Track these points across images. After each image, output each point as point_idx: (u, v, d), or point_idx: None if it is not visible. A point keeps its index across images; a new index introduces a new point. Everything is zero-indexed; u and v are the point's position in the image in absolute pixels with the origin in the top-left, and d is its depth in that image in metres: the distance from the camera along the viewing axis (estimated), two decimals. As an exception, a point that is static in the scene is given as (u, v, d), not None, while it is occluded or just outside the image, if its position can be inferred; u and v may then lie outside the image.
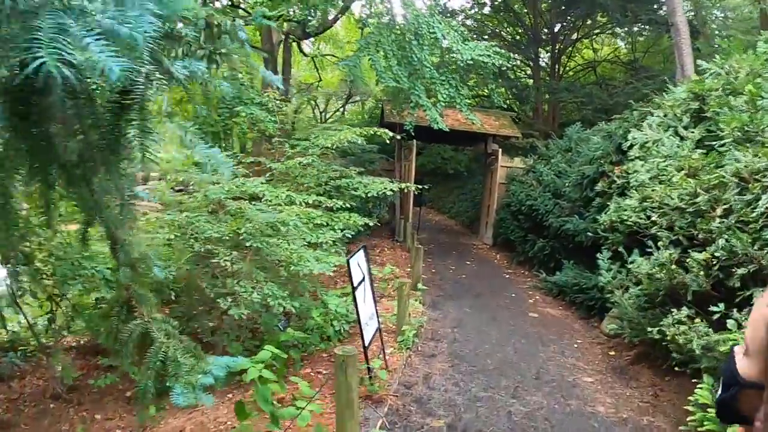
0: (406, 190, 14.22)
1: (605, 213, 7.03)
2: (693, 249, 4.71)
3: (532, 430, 4.37)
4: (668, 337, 4.73)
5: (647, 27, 19.49)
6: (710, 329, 4.32)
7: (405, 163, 14.26)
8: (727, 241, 4.31)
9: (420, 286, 8.19)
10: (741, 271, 4.16)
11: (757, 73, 5.86)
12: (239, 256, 5.60)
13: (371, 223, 7.85)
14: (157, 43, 1.88)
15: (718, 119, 5.79)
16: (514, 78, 19.95)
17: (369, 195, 7.96)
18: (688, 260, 4.60)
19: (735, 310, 4.06)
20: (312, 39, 29.69)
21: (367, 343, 4.65)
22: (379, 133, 8.08)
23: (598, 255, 6.76)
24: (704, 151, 5.81)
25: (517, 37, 20.75)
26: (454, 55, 10.22)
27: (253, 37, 24.42)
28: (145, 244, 6.05)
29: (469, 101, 11.10)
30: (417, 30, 10.07)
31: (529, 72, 21.44)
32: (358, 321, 4.46)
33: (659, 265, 5.05)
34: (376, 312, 5.10)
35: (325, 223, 7.38)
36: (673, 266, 4.84)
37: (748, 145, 5.01)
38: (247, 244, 5.39)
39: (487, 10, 21.64)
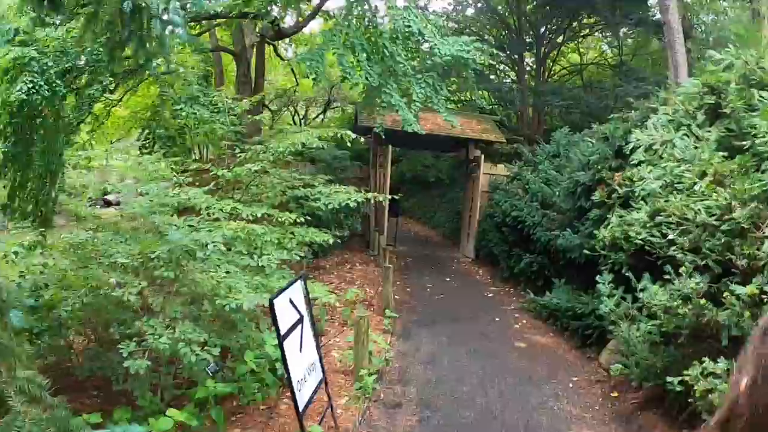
0: (379, 200, 13.12)
1: (605, 227, 5.96)
2: (730, 279, 3.64)
3: None
4: (695, 393, 3.64)
5: (637, 28, 18.69)
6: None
7: (380, 170, 13.15)
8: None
9: (389, 312, 7.04)
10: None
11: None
12: (155, 286, 4.43)
13: (331, 240, 6.71)
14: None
15: (742, 116, 4.78)
16: (497, 81, 19.00)
17: (330, 207, 6.81)
18: (725, 294, 3.52)
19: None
20: (289, 42, 28.66)
21: (304, 405, 3.49)
22: (341, 135, 6.96)
23: (598, 278, 5.68)
24: (725, 153, 4.78)
25: (501, 39, 19.78)
26: (432, 49, 9.15)
27: (224, 38, 23.33)
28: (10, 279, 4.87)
29: (448, 103, 10.03)
30: (393, 24, 9.02)
31: (513, 76, 20.51)
32: (289, 381, 3.29)
33: (682, 297, 3.97)
34: (320, 358, 3.94)
35: (277, 240, 6.23)
36: (702, 300, 3.76)
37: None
38: (156, 273, 4.20)
39: (470, 11, 20.71)
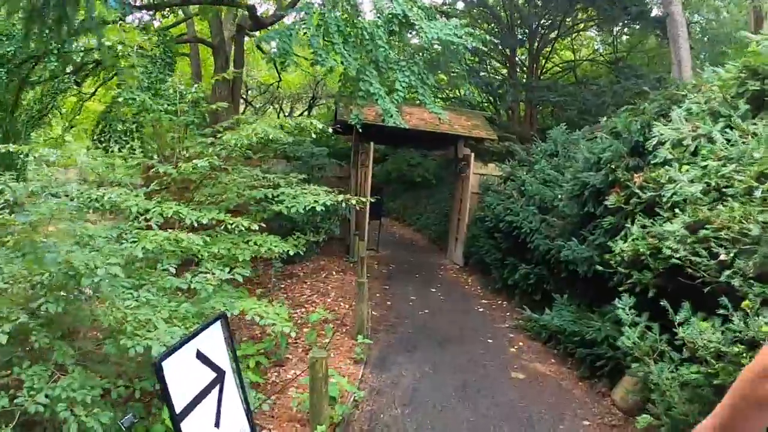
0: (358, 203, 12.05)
1: (623, 239, 4.93)
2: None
3: None
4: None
5: (635, 23, 17.78)
6: None
7: (362, 169, 12.05)
8: None
9: (361, 339, 5.94)
10: None
11: None
12: (42, 320, 3.30)
13: (293, 252, 5.60)
14: None
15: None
16: (487, 76, 17.97)
17: (293, 210, 5.70)
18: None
19: None
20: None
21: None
22: (308, 126, 5.83)
23: (617, 302, 4.63)
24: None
25: (493, 34, 18.71)
26: (418, 33, 8.08)
27: (202, 29, 22.11)
28: None
29: (436, 99, 8.96)
30: (375, 4, 7.95)
31: (504, 72, 19.50)
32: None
33: (745, 342, 2.93)
34: (252, 428, 2.82)
35: (226, 253, 5.16)
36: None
37: None
38: (35, 305, 3.08)
39: (460, 5, 19.65)
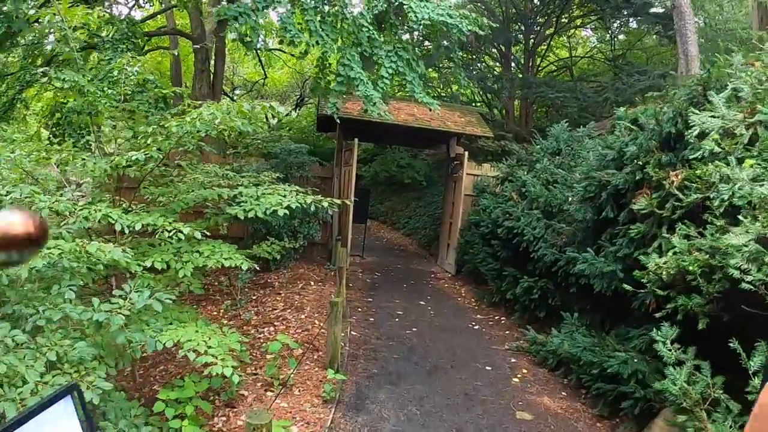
0: (335, 204, 11.06)
1: (657, 251, 3.96)
2: None
3: None
4: None
5: (636, 18, 16.94)
6: None
7: (345, 168, 11.04)
8: None
9: (332, 374, 4.89)
10: None
11: None
12: None
13: (246, 266, 4.57)
14: None
15: None
16: (481, 71, 17.02)
17: (249, 213, 4.67)
18: None
19: None
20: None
21: None
22: (261, 110, 4.79)
23: (655, 335, 3.65)
24: None
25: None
26: (407, 13, 7.08)
27: (181, 21, 21.00)
28: None
29: (425, 85, 7.95)
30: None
31: (499, 69, 18.56)
32: None
33: None
34: None
35: (160, 265, 4.15)
36: None
37: None
38: None
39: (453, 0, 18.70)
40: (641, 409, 4.29)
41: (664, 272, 3.75)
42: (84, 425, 1.65)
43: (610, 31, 19.01)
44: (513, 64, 18.18)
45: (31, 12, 7.26)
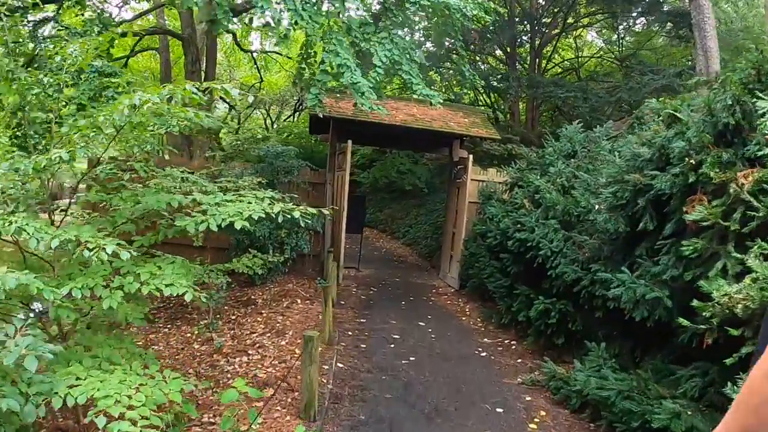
0: (332, 213, 10.11)
1: (722, 275, 3.00)
2: None
3: None
4: None
5: (647, 16, 16.04)
6: None
7: (339, 173, 10.12)
8: None
9: None
10: None
11: None
12: None
13: (191, 294, 3.61)
14: None
15: None
16: (485, 70, 16.11)
17: (201, 227, 3.73)
18: None
19: None
20: (253, 32, 25.55)
21: None
22: (212, 90, 3.85)
23: (731, 391, 2.68)
24: None
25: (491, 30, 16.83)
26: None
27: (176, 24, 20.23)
28: None
29: (423, 76, 7.02)
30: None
31: (504, 70, 17.66)
32: None
33: None
34: None
35: (81, 292, 3.23)
36: None
37: None
38: None
39: None
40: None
41: (739, 305, 2.79)
42: None
43: (617, 32, 18.14)
44: (518, 66, 17.28)
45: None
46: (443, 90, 18.75)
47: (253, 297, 8.59)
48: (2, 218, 3.35)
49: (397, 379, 5.37)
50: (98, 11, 10.20)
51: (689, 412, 3.48)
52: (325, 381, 4.96)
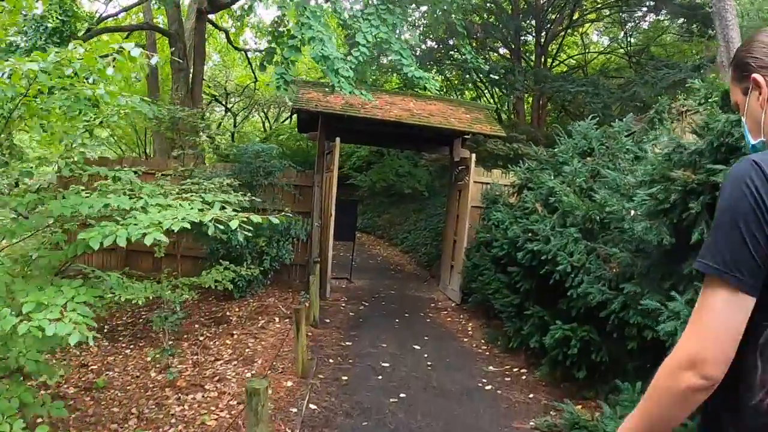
0: (321, 219, 9.15)
1: None
2: None
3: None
4: None
5: (659, 10, 15.03)
6: None
7: (327, 174, 9.13)
8: None
9: None
10: None
11: None
12: None
13: (77, 336, 2.61)
14: None
15: None
16: (490, 62, 15.10)
17: (107, 241, 2.76)
18: None
19: None
20: (250, 30, 24.66)
21: None
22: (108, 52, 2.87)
23: None
24: None
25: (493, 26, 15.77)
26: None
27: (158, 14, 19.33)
28: None
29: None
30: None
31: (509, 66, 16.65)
32: None
33: None
34: None
35: None
36: None
37: None
38: None
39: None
40: None
41: None
42: None
43: (625, 28, 17.15)
44: (523, 62, 16.28)
45: None
46: (444, 91, 17.80)
47: (228, 313, 7.61)
48: None
49: (382, 425, 4.34)
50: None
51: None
52: (289, 432, 3.95)
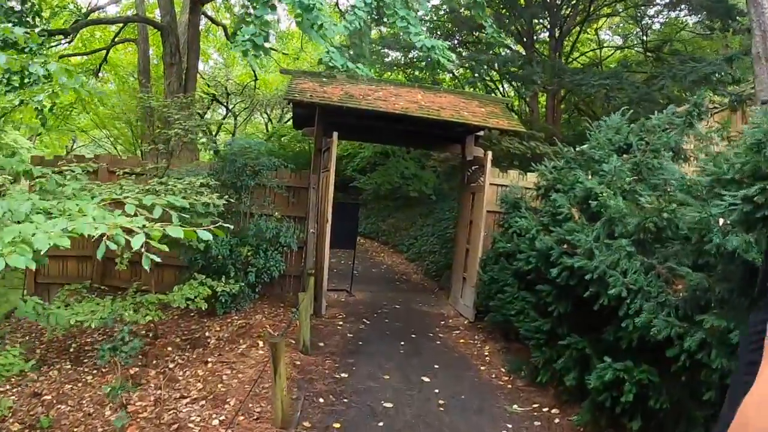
0: (317, 224, 8.14)
1: None
2: None
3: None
4: None
5: (678, 3, 13.95)
6: None
7: (323, 174, 8.11)
8: None
9: None
10: None
11: None
12: None
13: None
14: None
15: None
16: (505, 56, 14.05)
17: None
18: None
19: None
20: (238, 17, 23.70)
21: None
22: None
23: None
24: None
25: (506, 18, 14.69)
26: None
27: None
28: None
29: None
30: None
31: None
32: None
33: None
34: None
35: None
36: None
37: None
38: None
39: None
40: None
41: None
42: None
43: (641, 24, 16.10)
44: (537, 54, 15.22)
45: None
46: (458, 82, 16.78)
47: (207, 333, 6.60)
48: None
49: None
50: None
51: None
52: None
